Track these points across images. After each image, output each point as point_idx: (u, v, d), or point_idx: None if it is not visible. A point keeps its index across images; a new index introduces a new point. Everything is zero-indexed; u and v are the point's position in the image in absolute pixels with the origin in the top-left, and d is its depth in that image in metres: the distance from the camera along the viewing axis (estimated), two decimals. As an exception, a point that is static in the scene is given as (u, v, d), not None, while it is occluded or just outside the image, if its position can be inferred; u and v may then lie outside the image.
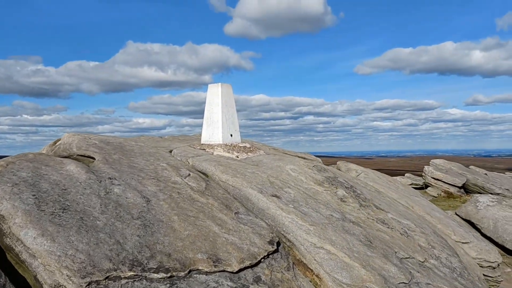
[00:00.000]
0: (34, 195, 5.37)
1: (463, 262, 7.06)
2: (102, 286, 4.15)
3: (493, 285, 8.54)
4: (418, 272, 5.97)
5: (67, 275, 4.10)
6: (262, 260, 5.30)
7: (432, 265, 6.35)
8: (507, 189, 21.32)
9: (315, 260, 5.66)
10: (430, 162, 24.79)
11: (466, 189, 22.08)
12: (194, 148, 10.06)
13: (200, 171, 7.96)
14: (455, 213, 13.52)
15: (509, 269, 10.61)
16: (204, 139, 10.91)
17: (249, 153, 10.02)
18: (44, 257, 4.26)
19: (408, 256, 6.30)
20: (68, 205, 5.35)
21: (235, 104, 11.43)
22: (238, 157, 9.59)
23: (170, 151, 9.71)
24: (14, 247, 4.51)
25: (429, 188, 22.33)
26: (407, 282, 5.57)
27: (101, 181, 6.24)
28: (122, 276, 4.33)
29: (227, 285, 4.69)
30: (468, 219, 12.70)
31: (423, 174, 23.63)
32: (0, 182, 5.44)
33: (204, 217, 5.90)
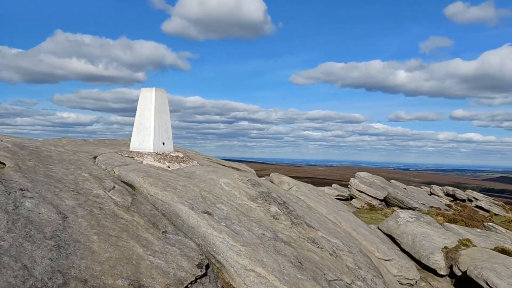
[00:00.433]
0: None
1: (386, 283, 7.28)
2: (0, 323, 3.58)
3: (410, 301, 8.96)
4: (345, 294, 6.02)
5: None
6: (189, 286, 4.98)
7: (358, 287, 6.45)
8: (423, 204, 22.93)
9: (244, 284, 5.45)
10: (356, 175, 25.94)
11: (387, 202, 23.38)
12: (121, 155, 9.43)
13: (126, 183, 7.42)
14: (378, 227, 14.15)
15: (423, 283, 11.27)
16: (134, 146, 10.27)
17: (181, 163, 9.61)
18: None
19: (336, 278, 6.34)
20: (-34, 222, 4.63)
21: (169, 109, 10.95)
22: (169, 167, 9.14)
23: (95, 158, 9.00)
24: None
25: (353, 200, 23.31)
26: (335, 306, 5.57)
27: (10, 192, 5.51)
28: (27, 310, 3.78)
29: (150, 316, 4.32)
30: (389, 233, 13.34)
31: (348, 186, 24.64)
32: None
33: (128, 237, 5.44)
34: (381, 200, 22.87)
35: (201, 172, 9.04)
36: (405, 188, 26.34)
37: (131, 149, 10.28)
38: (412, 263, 10.40)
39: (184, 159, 10.00)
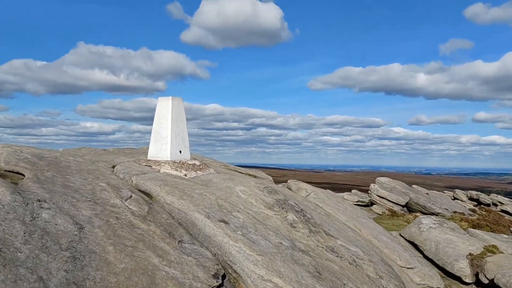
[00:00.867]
0: None
1: (409, 292, 7.05)
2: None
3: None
4: (366, 305, 5.84)
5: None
6: (205, 297, 4.90)
7: (380, 297, 6.26)
8: (446, 209, 22.34)
9: (262, 294, 5.34)
10: (376, 180, 25.50)
11: (409, 207, 22.87)
12: (139, 164, 9.47)
13: (143, 192, 7.43)
14: (400, 234, 13.82)
15: (448, 292, 10.91)
16: (151, 154, 10.33)
17: (198, 171, 9.60)
18: None
19: (356, 288, 6.16)
20: (-15, 234, 4.68)
21: (187, 117, 10.98)
22: (186, 175, 9.13)
23: (113, 167, 9.07)
24: None
25: (374, 206, 22.89)
26: (355, 317, 5.40)
27: (27, 204, 5.56)
28: (42, 323, 3.77)
29: (165, 328, 4.26)
30: (411, 240, 13.01)
31: (369, 191, 24.23)
32: None
33: (144, 247, 5.41)
34: (403, 206, 22.39)
35: (218, 180, 8.99)
36: (427, 193, 25.75)
37: (149, 157, 10.34)
38: (435, 270, 10.08)
39: (200, 167, 9.99)
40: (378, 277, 6.85)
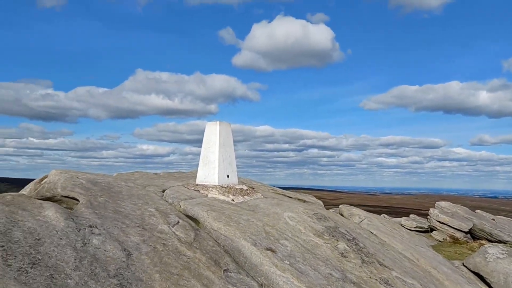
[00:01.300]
0: (2, 246, 4.86)
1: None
2: None
3: None
4: None
5: None
6: (250, 331, 4.71)
7: (441, 337, 5.71)
8: (515, 236, 20.48)
9: (310, 330, 5.05)
10: (436, 205, 24.02)
11: (473, 234, 21.22)
12: (188, 188, 9.57)
13: (191, 217, 7.44)
14: (463, 264, 12.78)
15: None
16: (200, 179, 10.42)
17: (245, 196, 9.51)
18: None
19: (414, 326, 5.68)
20: (39, 259, 4.84)
21: (234, 141, 11.02)
22: (233, 200, 9.08)
23: (163, 191, 9.23)
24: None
25: (434, 232, 21.49)
26: None
27: (80, 229, 5.73)
28: None
29: None
30: (476, 271, 11.96)
31: (428, 216, 22.85)
32: (-34, 230, 4.96)
33: (189, 275, 5.35)
34: (466, 233, 20.83)
35: (265, 205, 8.84)
36: (493, 219, 23.82)
37: (197, 182, 10.44)
38: (506, 307, 9.14)
39: (248, 191, 9.90)
40: (439, 314, 6.29)
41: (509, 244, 18.48)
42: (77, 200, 7.02)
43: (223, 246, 6.61)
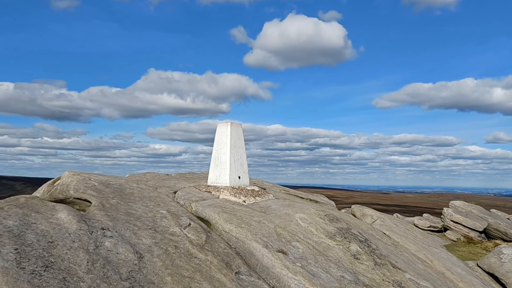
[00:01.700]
0: (16, 249, 4.92)
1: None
2: None
3: None
4: None
5: None
6: (262, 335, 4.69)
7: None
8: (532, 236, 20.11)
9: (322, 334, 5.01)
10: (450, 204, 23.71)
11: (488, 234, 20.89)
12: (199, 190, 9.58)
13: (202, 219, 7.45)
14: (477, 264, 12.58)
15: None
16: (211, 180, 10.43)
17: (257, 197, 9.49)
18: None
19: (428, 330, 5.59)
20: (52, 262, 4.88)
21: (245, 142, 11.00)
22: (245, 201, 9.06)
23: (175, 192, 9.26)
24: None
25: (448, 232, 21.22)
26: None
27: (92, 232, 5.77)
28: None
29: None
30: (491, 272, 11.76)
31: (442, 216, 22.56)
32: (-19, 234, 5.02)
33: (201, 278, 5.34)
34: (480, 232, 20.51)
35: (277, 206, 8.80)
36: (508, 218, 23.43)
37: (208, 183, 10.44)
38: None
39: (259, 192, 9.88)
40: (453, 318, 6.19)
41: (525, 244, 18.14)
42: (90, 202, 7.07)
43: (234, 248, 6.60)
